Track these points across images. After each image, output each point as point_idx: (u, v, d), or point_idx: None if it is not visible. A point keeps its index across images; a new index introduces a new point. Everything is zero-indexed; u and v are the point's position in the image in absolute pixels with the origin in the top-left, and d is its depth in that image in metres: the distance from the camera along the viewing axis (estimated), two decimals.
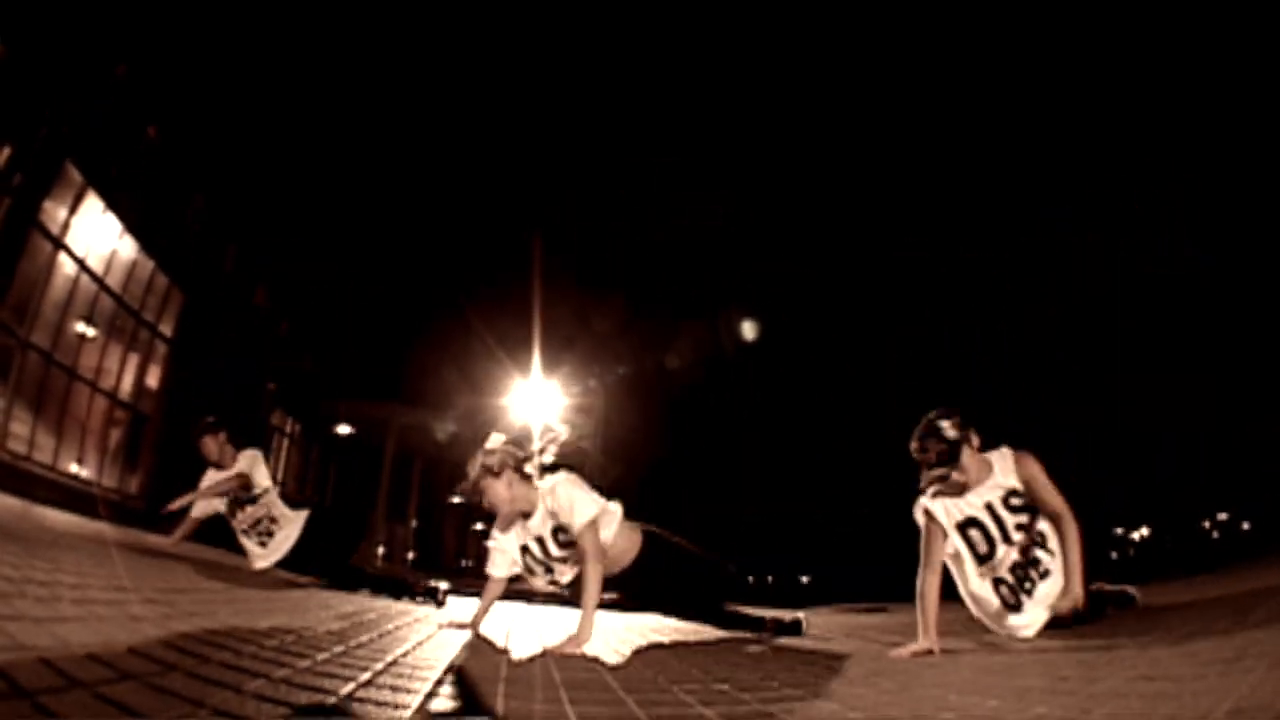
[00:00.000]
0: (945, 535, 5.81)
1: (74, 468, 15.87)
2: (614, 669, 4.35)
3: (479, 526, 56.20)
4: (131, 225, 16.96)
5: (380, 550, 27.67)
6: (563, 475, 6.08)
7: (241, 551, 8.70)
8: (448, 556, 43.45)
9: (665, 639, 6.85)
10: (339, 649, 3.73)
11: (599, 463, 27.05)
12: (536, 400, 25.70)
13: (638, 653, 5.42)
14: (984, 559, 5.75)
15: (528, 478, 6.16)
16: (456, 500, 43.63)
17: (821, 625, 6.09)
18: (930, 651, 5.18)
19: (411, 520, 33.14)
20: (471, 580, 26.43)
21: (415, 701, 2.70)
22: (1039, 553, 5.69)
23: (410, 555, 32.29)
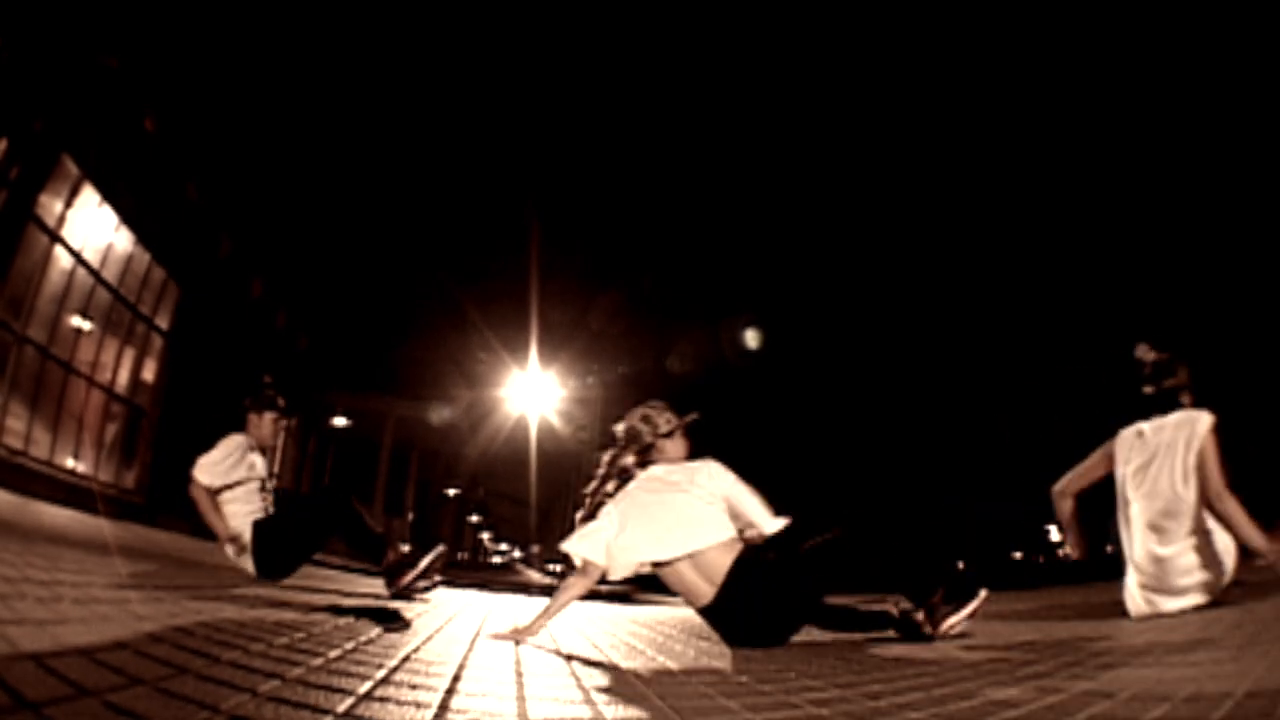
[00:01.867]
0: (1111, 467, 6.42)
1: (70, 463, 15.83)
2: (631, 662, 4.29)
3: (474, 519, 56.26)
4: (128, 217, 16.96)
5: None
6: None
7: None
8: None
9: (670, 631, 6.64)
10: (350, 645, 3.68)
11: (597, 457, 27.09)
12: (534, 392, 25.69)
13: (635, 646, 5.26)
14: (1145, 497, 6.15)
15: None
16: (452, 493, 43.71)
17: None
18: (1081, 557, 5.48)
19: (409, 513, 33.18)
20: (467, 573, 26.35)
21: (436, 700, 2.66)
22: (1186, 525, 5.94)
23: (406, 548, 32.34)
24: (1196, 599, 5.89)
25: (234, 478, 7.32)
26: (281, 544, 7.37)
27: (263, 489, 7.56)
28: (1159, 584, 6.06)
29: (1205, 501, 5.88)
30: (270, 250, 24.13)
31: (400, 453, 30.05)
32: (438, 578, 7.76)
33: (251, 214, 22.92)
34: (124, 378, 17.85)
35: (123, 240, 17.16)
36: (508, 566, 70.04)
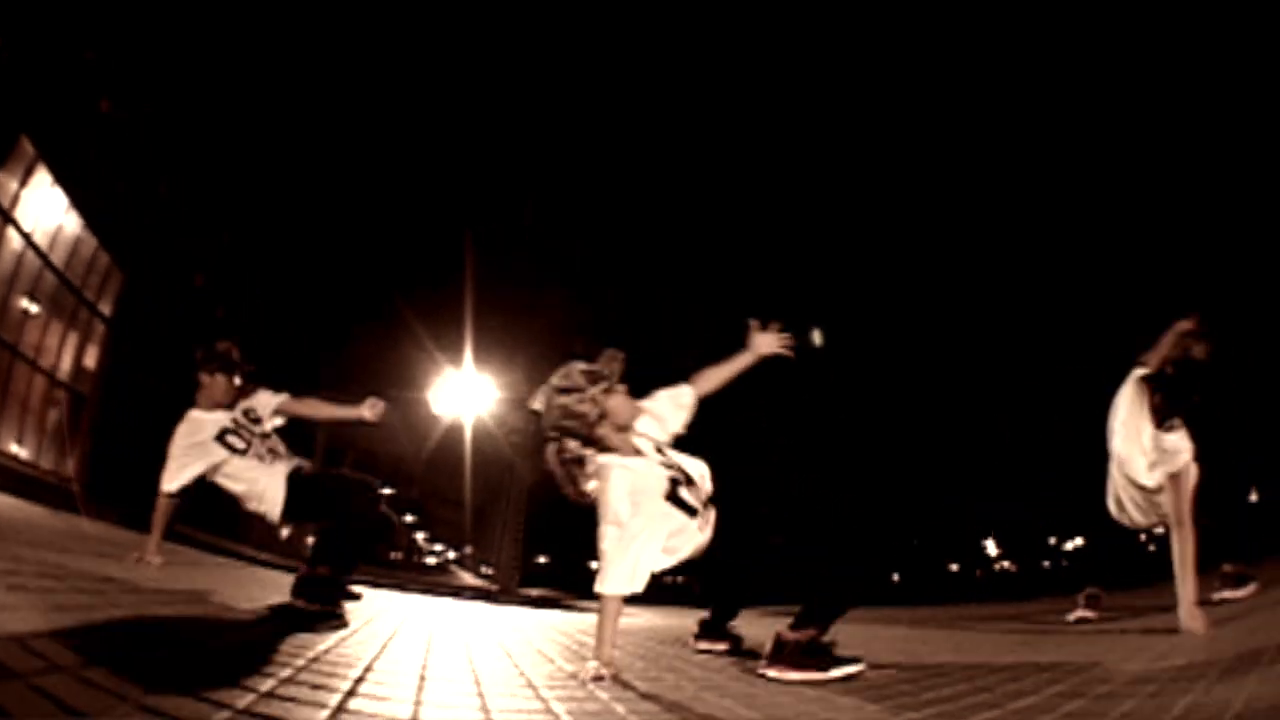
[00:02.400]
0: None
1: (14, 448, 15.79)
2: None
3: (409, 519, 55.75)
4: (78, 200, 16.93)
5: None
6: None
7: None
8: (377, 551, 43.35)
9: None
10: (262, 644, 3.77)
11: (529, 463, 26.98)
12: (469, 394, 25.66)
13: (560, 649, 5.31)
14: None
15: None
16: (387, 492, 43.43)
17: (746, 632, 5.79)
18: None
19: None
20: (398, 573, 26.29)
21: (334, 701, 2.75)
22: None
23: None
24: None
25: (205, 463, 6.86)
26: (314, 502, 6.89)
27: (223, 437, 6.94)
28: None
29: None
30: (214, 243, 24.08)
31: (335, 454, 29.86)
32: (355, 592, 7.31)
33: (199, 205, 22.88)
34: (67, 363, 17.80)
35: (71, 223, 17.12)
36: (442, 567, 69.45)
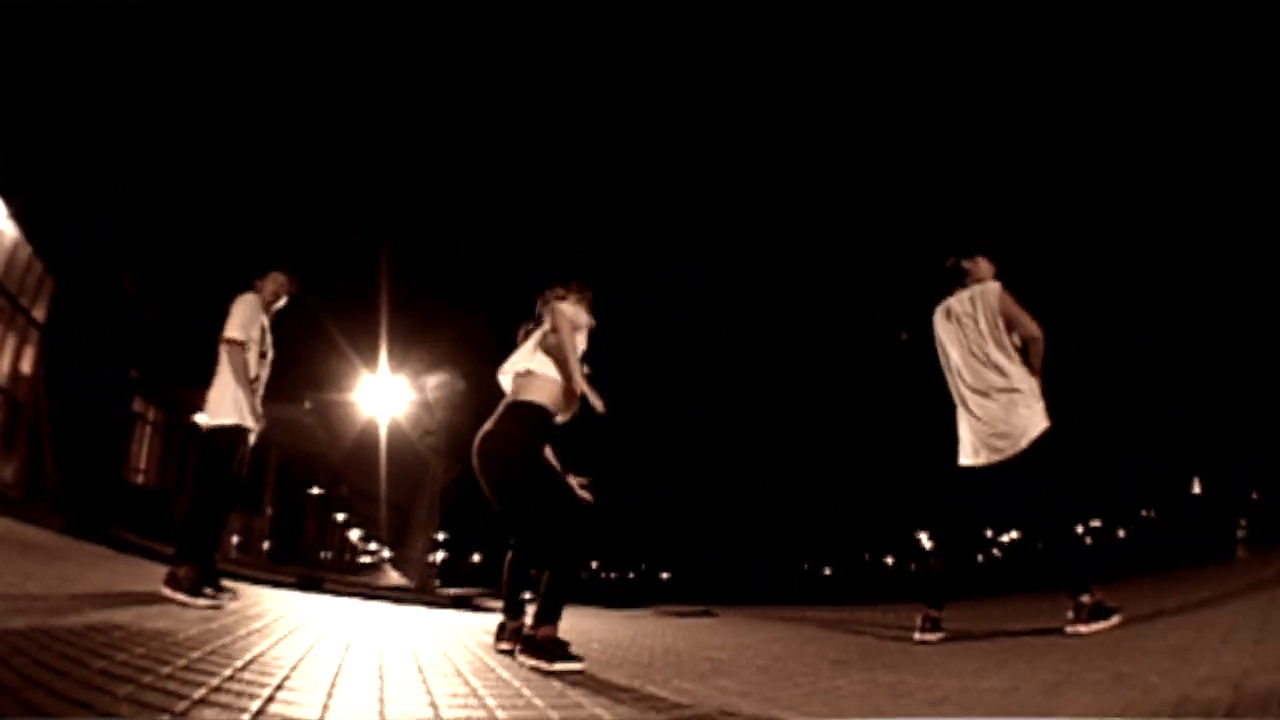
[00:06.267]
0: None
1: None
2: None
3: (340, 517, 55.59)
4: (16, 210, 17.21)
5: (235, 539, 27.57)
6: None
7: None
8: (308, 547, 43.27)
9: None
10: (195, 655, 4.01)
11: (443, 463, 27.25)
12: (385, 394, 25.75)
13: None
14: None
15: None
16: (316, 491, 43.39)
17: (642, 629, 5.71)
18: None
19: (266, 510, 33.07)
20: (328, 574, 26.44)
21: (255, 706, 3.02)
22: None
23: (266, 545, 32.26)
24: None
25: (253, 334, 7.97)
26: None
27: (263, 356, 8.21)
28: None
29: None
30: (139, 244, 24.03)
31: (258, 451, 29.82)
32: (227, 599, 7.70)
33: (123, 206, 22.81)
34: (4, 369, 17.98)
35: (10, 230, 17.37)
36: (377, 566, 69.07)
